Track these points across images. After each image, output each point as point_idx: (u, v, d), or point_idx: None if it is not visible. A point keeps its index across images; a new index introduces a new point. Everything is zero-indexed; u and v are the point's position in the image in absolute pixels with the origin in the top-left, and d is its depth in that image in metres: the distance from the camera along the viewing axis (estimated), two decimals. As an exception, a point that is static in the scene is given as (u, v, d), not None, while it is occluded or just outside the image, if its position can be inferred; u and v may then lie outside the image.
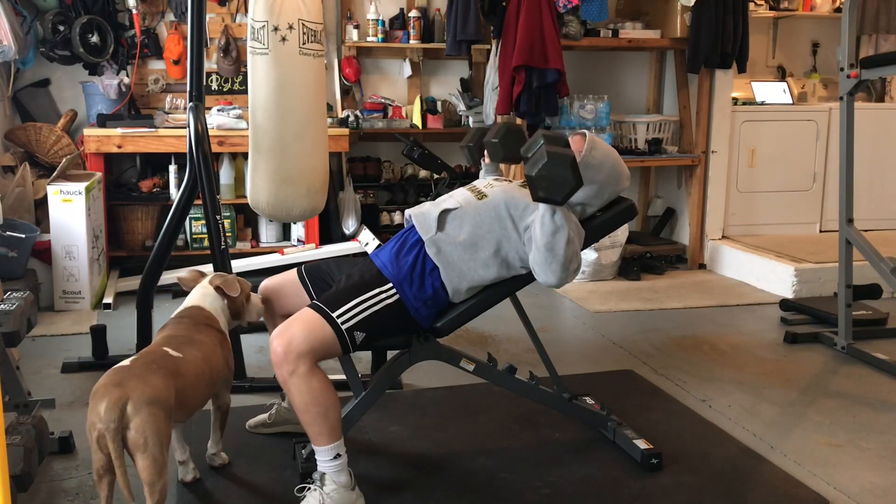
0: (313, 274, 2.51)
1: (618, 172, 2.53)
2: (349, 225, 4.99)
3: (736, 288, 4.82)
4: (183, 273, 2.54)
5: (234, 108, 4.67)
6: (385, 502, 2.36)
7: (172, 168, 4.69)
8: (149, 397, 1.92)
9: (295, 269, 2.55)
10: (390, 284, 2.32)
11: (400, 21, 5.28)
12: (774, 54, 5.99)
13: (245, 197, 3.70)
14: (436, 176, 5.17)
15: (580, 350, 3.75)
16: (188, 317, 2.35)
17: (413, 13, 5.21)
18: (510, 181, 2.61)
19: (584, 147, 2.47)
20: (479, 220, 2.38)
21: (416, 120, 5.30)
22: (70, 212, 4.07)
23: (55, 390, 3.08)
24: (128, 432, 1.89)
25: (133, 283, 4.10)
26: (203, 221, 4.52)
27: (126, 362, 2.05)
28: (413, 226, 2.43)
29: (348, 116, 5.08)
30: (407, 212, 2.50)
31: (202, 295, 2.42)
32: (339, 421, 2.22)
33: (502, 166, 2.97)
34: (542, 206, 2.26)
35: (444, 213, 2.39)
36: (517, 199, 2.39)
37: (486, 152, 2.73)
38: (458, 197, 2.47)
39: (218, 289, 2.43)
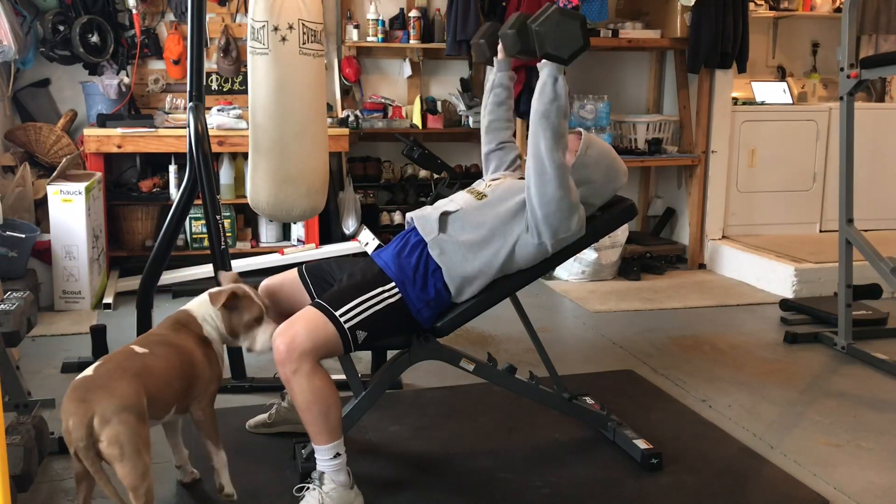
0: (314, 273, 2.51)
1: (615, 170, 2.52)
2: (349, 225, 4.99)
3: (736, 288, 4.82)
4: (224, 273, 2.44)
5: (234, 108, 4.67)
6: (384, 502, 2.36)
7: (172, 168, 4.69)
8: (116, 406, 1.90)
9: (295, 269, 2.55)
10: (392, 284, 2.32)
11: (400, 21, 5.28)
12: (774, 54, 5.99)
13: (245, 197, 3.70)
14: (436, 176, 5.17)
15: (580, 350, 3.75)
16: (173, 319, 2.30)
17: (413, 13, 5.21)
18: (508, 178, 2.61)
19: (579, 146, 2.47)
20: (480, 221, 2.38)
21: (416, 120, 5.30)
22: (70, 212, 4.07)
23: (55, 390, 3.07)
24: (100, 444, 1.89)
25: (133, 283, 4.10)
26: (203, 221, 4.52)
27: (89, 370, 2.01)
28: (414, 227, 2.43)
29: (348, 116, 5.07)
30: (408, 214, 2.50)
31: (198, 301, 2.33)
32: (340, 420, 2.22)
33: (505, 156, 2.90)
34: (544, 72, 2.27)
35: (445, 216, 2.40)
36: (517, 191, 2.41)
37: (500, 46, 2.68)
38: (458, 200, 2.48)
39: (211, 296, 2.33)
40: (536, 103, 2.27)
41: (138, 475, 1.91)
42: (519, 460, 2.63)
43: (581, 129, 2.58)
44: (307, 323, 2.18)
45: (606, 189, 2.52)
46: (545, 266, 2.46)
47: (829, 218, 5.43)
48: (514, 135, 4.79)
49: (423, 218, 2.43)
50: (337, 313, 2.21)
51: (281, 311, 2.49)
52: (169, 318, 2.31)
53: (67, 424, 1.89)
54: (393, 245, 2.44)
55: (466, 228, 2.38)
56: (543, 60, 2.29)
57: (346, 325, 2.21)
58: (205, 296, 2.32)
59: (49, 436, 2.47)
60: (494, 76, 2.77)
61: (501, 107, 2.78)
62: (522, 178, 2.52)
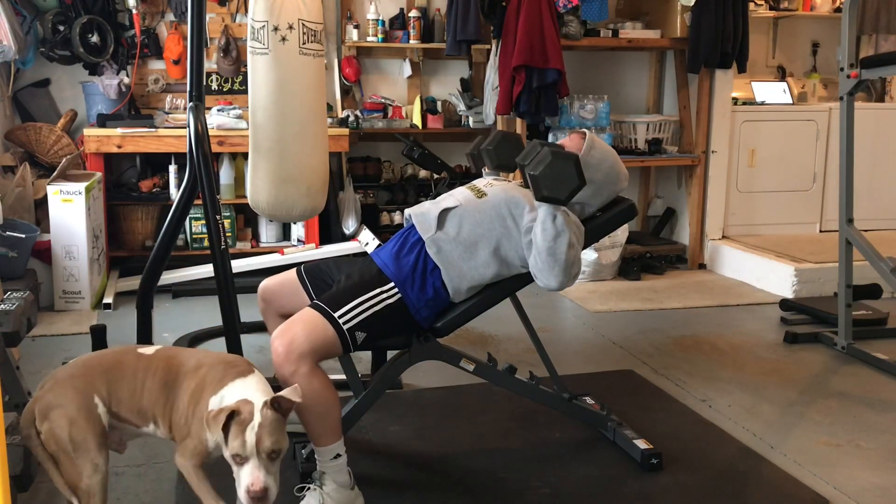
0: (312, 274, 2.51)
1: (616, 172, 2.53)
2: (349, 225, 4.99)
3: (736, 288, 4.82)
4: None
5: (234, 108, 4.67)
6: (384, 502, 2.36)
7: (172, 168, 4.69)
8: (48, 404, 1.92)
9: (294, 269, 2.55)
10: (391, 284, 2.32)
11: (400, 21, 5.28)
12: (774, 54, 5.99)
13: (245, 197, 3.70)
14: (436, 176, 5.17)
15: (580, 350, 3.75)
16: (225, 362, 2.02)
17: (413, 13, 5.21)
18: (509, 181, 2.61)
19: (583, 146, 2.47)
20: (479, 219, 2.38)
21: (416, 120, 5.30)
22: (70, 212, 4.07)
23: (55, 390, 3.08)
24: (41, 438, 1.92)
25: (133, 283, 4.10)
26: (203, 221, 4.52)
27: (61, 367, 2.04)
28: (413, 225, 2.43)
29: (348, 116, 5.08)
30: (407, 211, 2.50)
31: (252, 381, 1.96)
32: (340, 421, 2.22)
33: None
34: (542, 210, 2.26)
35: (444, 213, 2.40)
36: (517, 198, 2.40)
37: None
38: (457, 195, 2.47)
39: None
40: (541, 242, 2.27)
41: (76, 474, 1.90)
42: (519, 460, 2.63)
43: (585, 130, 2.58)
44: (306, 324, 2.18)
45: (606, 191, 2.52)
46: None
47: (829, 218, 5.43)
48: (515, 131, 4.82)
49: (422, 215, 2.43)
50: (336, 314, 2.21)
51: (279, 311, 2.49)
52: (225, 360, 2.06)
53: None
54: (391, 244, 2.44)
55: (464, 226, 2.37)
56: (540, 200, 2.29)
57: (345, 327, 2.21)
58: (257, 381, 1.97)
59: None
60: (483, 179, 2.80)
61: None
62: (524, 186, 2.52)
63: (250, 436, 1.81)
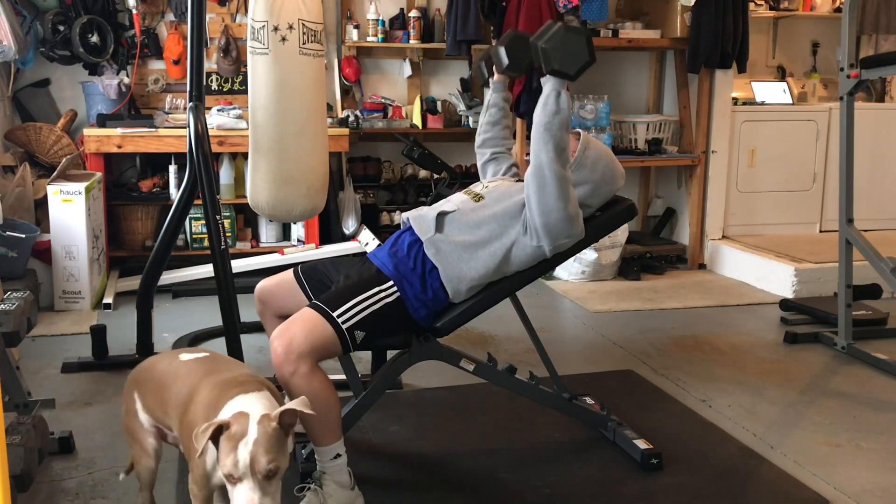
0: (310, 274, 2.51)
1: (612, 171, 2.53)
2: (349, 225, 4.99)
3: (736, 288, 4.82)
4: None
5: (234, 108, 4.67)
6: (385, 502, 2.36)
7: (172, 168, 4.69)
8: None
9: (290, 270, 2.55)
10: (390, 283, 2.32)
11: (400, 21, 5.28)
12: (774, 54, 5.99)
13: (245, 197, 3.70)
14: (436, 176, 5.17)
15: (580, 350, 3.75)
16: (243, 381, 1.89)
17: (413, 13, 5.21)
18: (505, 180, 2.61)
19: (577, 147, 2.47)
20: (476, 221, 2.39)
21: (416, 120, 5.30)
22: (70, 212, 4.07)
23: (55, 390, 3.08)
24: None
25: (133, 283, 4.09)
26: (203, 221, 4.52)
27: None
28: (409, 227, 2.44)
29: (348, 116, 5.07)
30: (403, 215, 2.50)
31: (259, 396, 1.82)
32: (340, 421, 2.22)
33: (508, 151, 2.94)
34: (548, 86, 2.29)
35: (442, 216, 2.40)
36: (514, 195, 2.42)
37: (494, 67, 2.71)
38: (454, 201, 2.48)
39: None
40: (539, 116, 2.29)
41: (134, 458, 2.10)
42: (519, 460, 2.63)
43: (580, 130, 2.58)
44: (305, 324, 2.18)
45: (603, 190, 2.52)
46: (544, 267, 2.46)
47: (829, 218, 5.43)
48: (515, 135, 4.82)
49: (420, 217, 2.43)
50: (334, 314, 2.21)
51: (277, 312, 2.49)
52: (249, 380, 1.93)
53: None
54: (387, 245, 2.44)
55: (463, 229, 2.38)
56: (547, 75, 2.29)
57: (344, 326, 2.21)
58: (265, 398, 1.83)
59: (49, 436, 2.48)
60: (490, 97, 2.80)
61: (496, 126, 2.82)
62: (520, 181, 2.53)
63: (243, 453, 1.64)
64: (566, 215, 2.32)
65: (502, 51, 2.57)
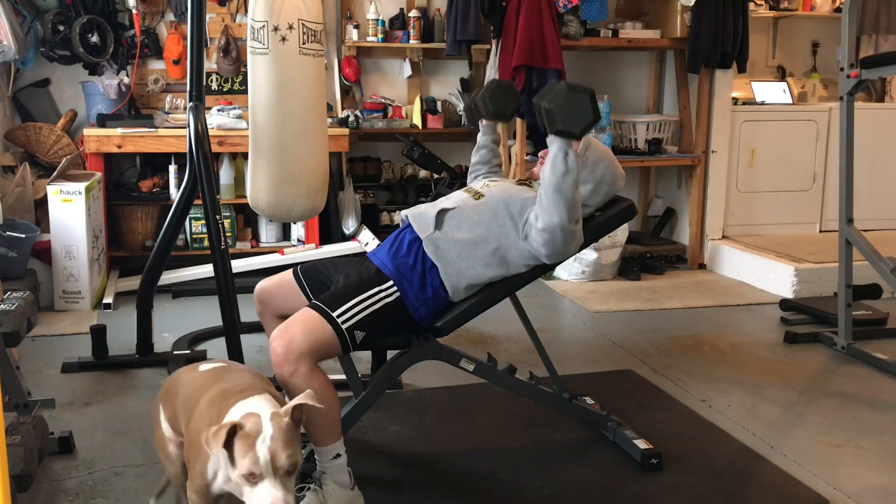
0: (309, 274, 2.51)
1: (613, 172, 2.53)
2: (349, 225, 4.99)
3: (736, 288, 4.82)
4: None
5: (234, 108, 4.67)
6: (385, 502, 2.36)
7: (172, 168, 4.69)
8: None
9: (290, 271, 2.55)
10: (390, 282, 2.32)
11: (400, 21, 5.28)
12: (774, 54, 5.99)
13: (245, 197, 3.70)
14: (436, 176, 5.17)
15: (580, 350, 3.75)
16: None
17: (413, 13, 5.21)
18: (506, 180, 2.62)
19: (579, 147, 2.47)
20: (477, 219, 2.38)
21: (416, 120, 5.30)
22: (70, 212, 4.07)
23: (55, 390, 3.08)
24: None
25: (133, 283, 4.09)
26: (203, 221, 4.52)
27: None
28: (409, 225, 2.43)
29: (348, 116, 5.07)
30: (403, 212, 2.50)
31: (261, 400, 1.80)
32: (339, 421, 2.22)
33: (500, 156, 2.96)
34: (554, 146, 2.27)
35: (442, 213, 2.40)
36: (514, 197, 2.41)
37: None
38: (454, 198, 2.48)
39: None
40: (549, 178, 2.27)
41: (166, 471, 2.12)
42: (519, 460, 2.63)
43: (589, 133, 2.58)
44: (304, 324, 2.18)
45: (603, 191, 2.53)
46: (543, 268, 2.46)
47: (829, 218, 5.43)
48: (515, 135, 4.82)
49: (420, 215, 2.43)
50: (334, 314, 2.21)
51: (276, 312, 2.49)
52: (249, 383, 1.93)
53: None
54: (387, 244, 2.44)
55: (462, 227, 2.38)
56: (551, 134, 2.29)
57: (344, 326, 2.21)
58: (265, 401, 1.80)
59: (49, 436, 2.48)
60: (480, 138, 2.84)
61: (486, 164, 2.85)
62: (521, 184, 2.52)
63: (262, 450, 1.63)
64: (570, 250, 2.35)
65: (486, 101, 2.64)
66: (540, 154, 2.52)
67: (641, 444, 2.59)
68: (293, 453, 1.66)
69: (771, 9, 5.76)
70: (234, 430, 1.66)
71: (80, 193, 4.08)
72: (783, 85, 5.70)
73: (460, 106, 5.38)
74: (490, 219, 2.38)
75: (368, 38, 5.20)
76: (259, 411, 1.72)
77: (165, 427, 2.04)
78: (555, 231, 2.28)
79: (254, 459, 1.62)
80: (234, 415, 1.76)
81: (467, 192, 2.51)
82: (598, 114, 2.21)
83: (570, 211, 2.27)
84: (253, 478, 1.63)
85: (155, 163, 4.88)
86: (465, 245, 2.36)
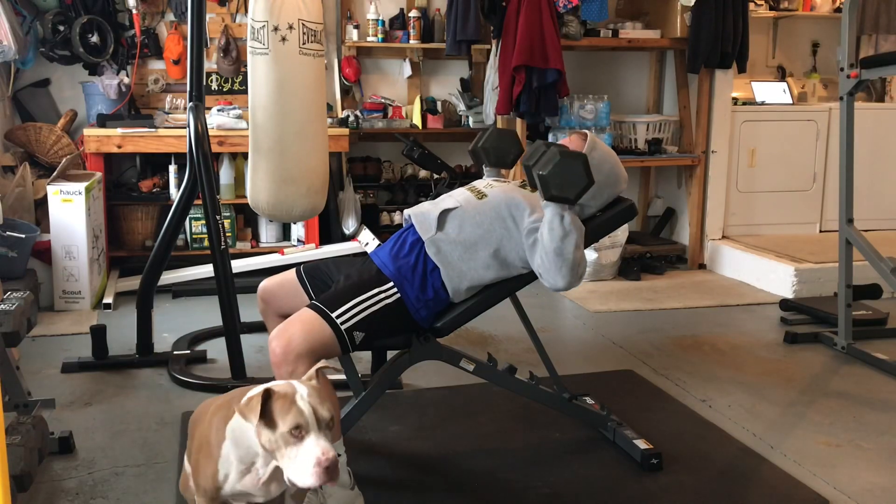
0: (312, 274, 2.51)
1: (616, 174, 2.54)
2: (349, 225, 4.99)
3: (736, 288, 4.82)
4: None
5: (234, 108, 4.67)
6: (385, 502, 2.36)
7: (172, 168, 4.69)
8: None
9: (293, 270, 2.55)
10: (390, 284, 2.32)
11: (400, 21, 5.28)
12: (774, 54, 5.99)
13: (245, 197, 3.70)
14: (436, 176, 5.17)
15: (580, 350, 3.75)
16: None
17: (413, 13, 5.21)
18: (509, 182, 2.61)
19: (584, 147, 2.47)
20: (479, 220, 2.38)
21: (416, 120, 5.30)
22: (70, 212, 4.07)
23: (55, 390, 3.08)
24: None
25: (133, 283, 4.10)
26: (203, 221, 4.52)
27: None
28: (412, 225, 2.43)
29: (348, 116, 5.07)
30: (406, 212, 2.50)
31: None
32: (339, 421, 2.22)
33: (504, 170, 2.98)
34: (550, 210, 2.26)
35: (444, 213, 2.40)
36: (517, 200, 2.40)
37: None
38: (457, 197, 2.47)
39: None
40: (548, 243, 2.26)
41: None
42: (519, 460, 2.63)
43: (586, 131, 2.59)
44: (303, 325, 2.18)
45: (605, 193, 2.52)
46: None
47: (829, 218, 5.43)
48: (516, 135, 4.81)
49: (422, 215, 2.43)
50: (333, 314, 2.21)
51: (278, 312, 2.49)
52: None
53: None
54: (390, 244, 2.44)
55: (464, 227, 2.37)
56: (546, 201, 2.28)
57: (343, 327, 2.21)
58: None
59: (49, 436, 2.48)
60: (483, 179, 2.80)
61: None
62: (523, 187, 2.52)
63: (303, 404, 1.64)
64: (577, 283, 2.35)
65: (487, 150, 2.69)
66: None
67: (641, 444, 2.59)
68: (332, 406, 1.69)
69: (771, 9, 5.76)
70: (268, 395, 1.67)
71: (80, 193, 4.08)
72: (783, 85, 5.70)
73: (460, 106, 5.38)
74: (492, 220, 2.38)
75: (368, 38, 5.20)
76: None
77: (186, 464, 2.02)
78: (559, 288, 2.31)
79: (298, 412, 1.63)
80: (238, 422, 1.77)
81: (470, 191, 2.50)
82: (591, 178, 2.21)
83: (573, 272, 2.28)
84: (298, 432, 1.63)
85: (155, 163, 4.88)
86: (467, 246, 2.35)
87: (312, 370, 1.82)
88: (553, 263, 2.27)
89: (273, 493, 1.82)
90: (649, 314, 4.29)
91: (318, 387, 1.74)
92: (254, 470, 1.78)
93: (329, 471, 1.62)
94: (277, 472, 1.77)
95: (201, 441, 1.87)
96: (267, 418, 1.66)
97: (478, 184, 2.58)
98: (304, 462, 1.62)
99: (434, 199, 2.57)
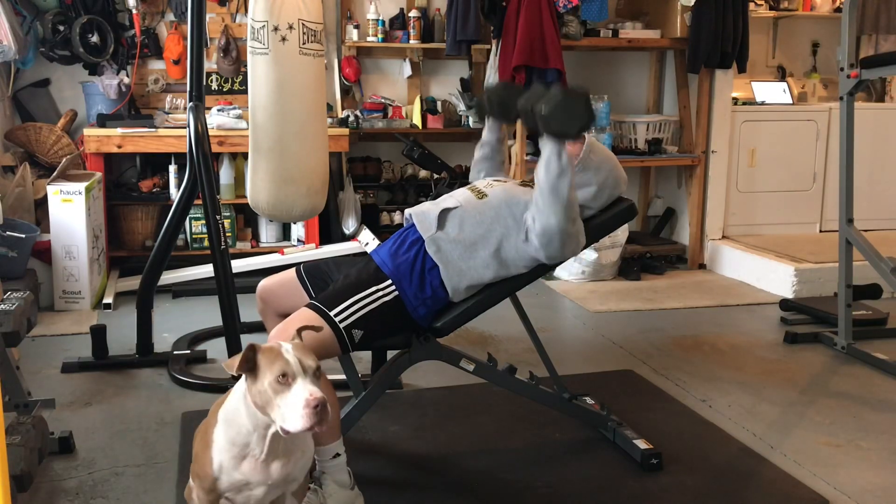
0: (312, 273, 2.51)
1: (615, 176, 2.53)
2: (349, 225, 4.99)
3: (736, 288, 4.81)
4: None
5: (234, 108, 4.67)
6: (385, 502, 2.36)
7: (172, 168, 4.69)
8: None
9: (293, 269, 2.55)
10: (389, 282, 2.32)
11: (400, 21, 5.28)
12: (774, 54, 5.99)
13: (245, 197, 3.70)
14: (436, 176, 5.17)
15: (580, 350, 3.75)
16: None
17: (413, 13, 5.21)
18: (510, 181, 2.61)
19: (582, 150, 2.47)
20: (479, 220, 2.38)
21: (416, 120, 5.30)
22: (70, 212, 4.07)
23: (55, 390, 3.08)
24: None
25: (133, 283, 4.10)
26: (203, 221, 4.52)
27: None
28: (412, 224, 2.43)
29: (348, 116, 5.07)
30: (407, 211, 2.50)
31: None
32: (339, 421, 2.22)
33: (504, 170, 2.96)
34: (548, 148, 2.27)
35: (445, 213, 2.40)
36: (517, 198, 2.40)
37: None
38: (458, 196, 2.47)
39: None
40: (544, 179, 2.26)
41: None
42: (519, 460, 2.63)
43: (584, 133, 2.57)
44: (302, 324, 2.18)
45: (605, 194, 2.52)
46: (544, 268, 2.45)
47: (829, 218, 5.43)
48: (515, 135, 4.81)
49: (423, 214, 2.43)
50: (331, 313, 2.21)
51: (279, 311, 2.49)
52: None
53: None
54: (390, 242, 2.44)
55: (465, 227, 2.38)
56: (546, 135, 2.29)
57: (342, 325, 2.21)
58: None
59: (49, 436, 2.48)
60: (485, 134, 2.81)
61: (490, 161, 2.82)
62: (524, 185, 2.52)
63: (289, 356, 1.70)
64: (569, 250, 2.35)
65: (491, 102, 2.65)
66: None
67: (641, 444, 2.59)
68: (315, 358, 1.74)
69: (771, 9, 5.76)
70: (253, 350, 1.73)
71: (80, 193, 4.08)
72: (783, 85, 5.70)
73: (460, 106, 5.37)
74: (492, 219, 2.38)
75: (368, 38, 5.20)
76: (235, 391, 1.81)
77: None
78: (552, 234, 2.28)
79: (284, 361, 1.69)
80: (224, 415, 1.82)
81: (471, 191, 2.50)
82: (592, 114, 2.22)
83: (566, 211, 2.27)
84: (285, 379, 1.68)
85: (155, 163, 4.88)
86: (467, 246, 2.36)
87: (294, 331, 1.89)
88: (547, 201, 2.26)
89: (274, 475, 1.81)
90: (649, 314, 4.29)
91: (302, 343, 1.81)
92: (250, 454, 1.79)
93: (318, 411, 1.65)
94: (275, 447, 1.78)
95: (199, 432, 1.89)
96: (255, 374, 1.72)
97: (478, 184, 2.58)
98: (293, 406, 1.65)
99: (434, 199, 2.57)
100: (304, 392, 1.66)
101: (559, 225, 2.27)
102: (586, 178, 2.45)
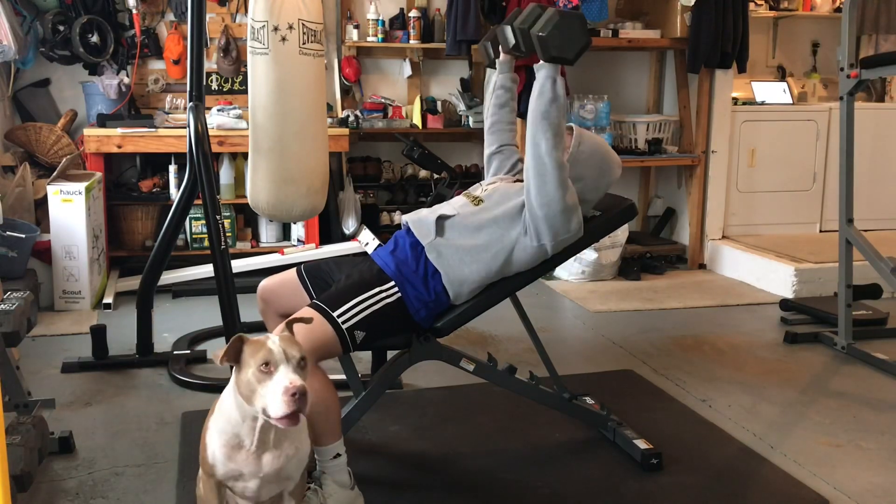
0: (313, 273, 2.51)
1: (608, 163, 2.51)
2: (349, 225, 4.99)
3: (736, 288, 4.82)
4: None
5: (234, 108, 4.67)
6: (385, 502, 2.36)
7: (172, 168, 4.69)
8: None
9: (294, 269, 2.55)
10: (392, 283, 2.32)
11: (400, 21, 5.28)
12: (774, 54, 5.99)
13: (245, 197, 3.70)
14: (436, 176, 5.17)
15: (580, 350, 3.75)
16: None
17: (413, 13, 5.21)
18: (506, 180, 2.61)
19: (571, 143, 2.46)
20: (477, 226, 2.38)
21: (416, 120, 5.30)
22: (70, 212, 4.07)
23: (55, 390, 3.08)
24: None
25: (133, 283, 4.10)
26: (203, 221, 4.52)
27: None
28: (409, 230, 2.43)
29: (348, 116, 5.07)
30: (403, 217, 2.50)
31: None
32: (339, 421, 2.22)
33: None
34: (542, 73, 2.27)
35: (441, 220, 2.40)
36: (514, 196, 2.41)
37: (500, 45, 2.68)
38: (454, 205, 2.48)
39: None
40: (536, 104, 2.27)
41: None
42: (519, 460, 2.63)
43: (573, 125, 2.56)
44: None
45: (601, 183, 2.51)
46: (545, 267, 2.46)
47: (829, 218, 5.43)
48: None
49: (419, 221, 2.42)
50: (334, 314, 2.21)
51: (279, 311, 2.49)
52: None
53: None
54: (391, 245, 2.44)
55: (464, 234, 2.38)
56: (541, 62, 2.28)
57: (344, 326, 2.21)
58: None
59: (49, 436, 2.48)
60: (496, 78, 2.77)
61: (503, 108, 2.78)
62: (519, 181, 2.52)
63: (273, 345, 1.72)
64: (565, 206, 2.31)
65: (508, 30, 2.51)
66: None
67: (641, 444, 2.59)
68: (301, 348, 1.76)
69: (771, 9, 5.76)
70: (240, 342, 1.75)
71: (80, 193, 4.08)
72: (783, 85, 5.70)
73: (460, 106, 5.38)
74: (490, 224, 2.38)
75: (368, 38, 5.20)
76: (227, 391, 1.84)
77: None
78: (543, 161, 2.25)
79: (267, 350, 1.71)
80: (216, 419, 1.86)
81: (466, 198, 2.50)
82: (589, 38, 2.19)
83: (556, 137, 2.25)
84: (267, 367, 1.70)
85: (155, 163, 4.88)
86: (468, 251, 2.35)
87: (283, 324, 1.92)
88: (538, 126, 2.25)
89: (266, 468, 1.83)
90: (649, 314, 4.29)
91: (290, 335, 1.83)
92: (242, 445, 1.82)
93: (297, 398, 1.67)
94: (265, 438, 1.81)
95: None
96: (241, 365, 1.75)
97: (473, 190, 2.57)
98: (274, 392, 1.68)
99: (433, 200, 2.57)
100: (284, 380, 1.68)
101: (549, 147, 2.24)
102: (578, 171, 2.42)
